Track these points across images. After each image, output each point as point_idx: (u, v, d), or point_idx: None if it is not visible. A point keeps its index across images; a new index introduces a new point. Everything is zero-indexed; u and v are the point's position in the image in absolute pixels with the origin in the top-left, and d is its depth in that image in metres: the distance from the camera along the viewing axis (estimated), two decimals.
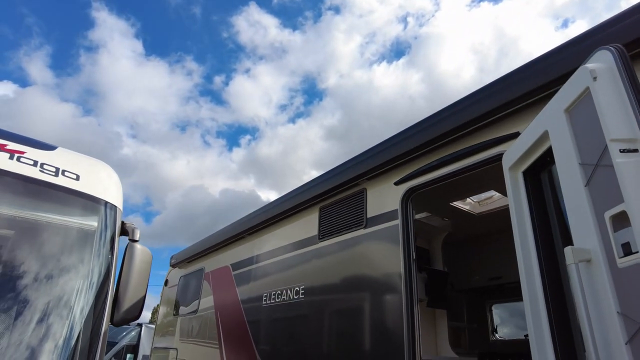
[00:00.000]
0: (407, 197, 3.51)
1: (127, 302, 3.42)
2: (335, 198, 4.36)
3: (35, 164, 3.41)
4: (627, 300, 1.56)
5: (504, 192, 4.70)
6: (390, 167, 3.70)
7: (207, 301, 6.44)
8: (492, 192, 5.17)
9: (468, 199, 5.27)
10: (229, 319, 5.64)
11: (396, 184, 3.62)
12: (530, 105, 2.75)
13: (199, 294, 6.76)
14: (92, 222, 3.54)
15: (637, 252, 1.51)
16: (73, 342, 2.85)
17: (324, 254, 4.24)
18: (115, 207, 3.69)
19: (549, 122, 2.15)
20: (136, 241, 3.70)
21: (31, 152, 3.47)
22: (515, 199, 2.51)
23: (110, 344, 13.83)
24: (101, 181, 3.75)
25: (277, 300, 4.70)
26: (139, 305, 3.51)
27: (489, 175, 4.35)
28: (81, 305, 3.06)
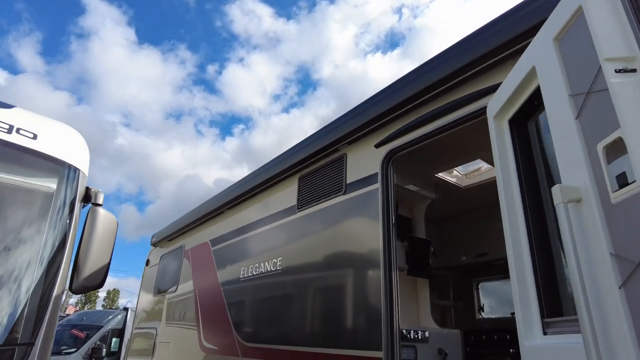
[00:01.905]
0: (387, 160, 3.30)
1: (87, 270, 3.17)
2: (314, 166, 4.14)
3: None
4: (621, 238, 1.36)
5: (491, 161, 4.51)
6: (371, 129, 3.47)
7: (186, 279, 6.23)
8: (480, 163, 4.98)
9: (454, 170, 5.07)
10: (207, 295, 5.44)
11: (376, 146, 3.40)
12: (517, 52, 2.53)
13: (179, 272, 6.55)
14: (50, 184, 3.29)
15: (634, 181, 1.30)
16: (19, 310, 2.62)
17: (303, 224, 4.04)
18: (77, 169, 3.44)
19: (537, 56, 1.93)
20: (99, 205, 3.46)
21: None
22: (500, 150, 2.30)
23: (96, 328, 13.64)
24: (62, 142, 3.49)
25: (254, 273, 4.49)
26: (102, 273, 3.27)
27: (475, 143, 4.16)
28: (30, 272, 2.82)
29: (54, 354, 12.93)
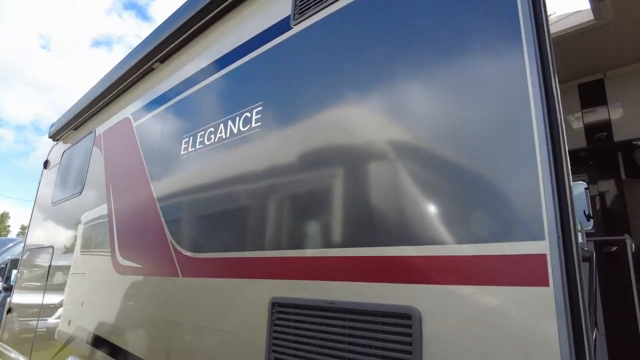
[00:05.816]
0: None
1: None
2: None
3: None
4: None
5: None
6: None
7: (95, 173, 4.21)
8: None
9: None
10: (124, 189, 3.51)
11: None
12: None
13: (86, 166, 4.48)
14: None
15: None
16: None
17: (306, 42, 2.20)
18: None
19: None
20: None
21: None
22: None
23: None
24: None
25: (207, 142, 2.64)
26: None
27: None
28: None
29: None
